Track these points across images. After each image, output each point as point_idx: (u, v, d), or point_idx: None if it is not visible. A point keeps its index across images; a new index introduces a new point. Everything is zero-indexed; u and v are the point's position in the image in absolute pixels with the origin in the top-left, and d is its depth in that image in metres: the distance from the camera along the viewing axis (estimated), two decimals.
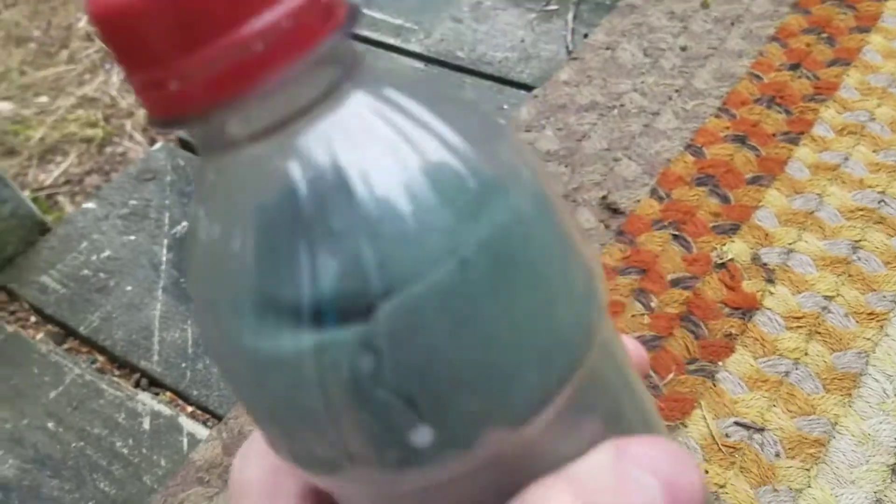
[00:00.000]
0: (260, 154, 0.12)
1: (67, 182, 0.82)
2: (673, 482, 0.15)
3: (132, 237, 0.56)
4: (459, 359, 0.12)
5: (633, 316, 0.45)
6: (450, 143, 0.12)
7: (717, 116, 0.55)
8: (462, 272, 0.12)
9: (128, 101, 0.89)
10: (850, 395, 0.40)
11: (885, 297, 0.44)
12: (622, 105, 0.57)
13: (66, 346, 0.51)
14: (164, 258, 0.55)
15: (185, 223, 0.57)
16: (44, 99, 0.91)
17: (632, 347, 0.23)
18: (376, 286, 0.11)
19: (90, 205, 0.60)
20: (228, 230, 0.12)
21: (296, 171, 0.12)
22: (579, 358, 0.13)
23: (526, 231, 0.13)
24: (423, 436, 0.12)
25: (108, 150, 0.85)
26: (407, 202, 0.12)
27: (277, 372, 0.12)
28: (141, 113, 0.87)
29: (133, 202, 0.59)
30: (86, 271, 0.55)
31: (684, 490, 0.15)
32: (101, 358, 0.50)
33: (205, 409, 0.46)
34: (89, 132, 0.86)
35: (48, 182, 0.82)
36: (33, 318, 0.53)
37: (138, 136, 0.86)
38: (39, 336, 0.52)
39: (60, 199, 0.82)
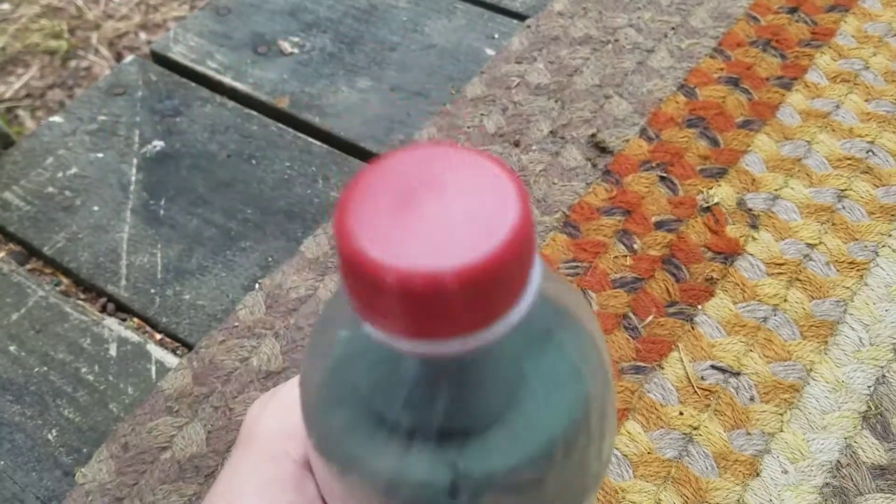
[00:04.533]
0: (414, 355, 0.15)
1: (28, 95, 0.78)
2: None
3: (100, 154, 0.54)
4: None
5: (615, 257, 0.44)
6: (561, 371, 0.16)
7: (711, 57, 0.54)
8: (538, 463, 0.16)
9: (94, 12, 0.84)
10: (826, 342, 0.40)
11: (866, 246, 0.44)
12: (616, 40, 0.55)
13: (28, 266, 0.49)
14: (132, 178, 0.52)
15: (155, 143, 0.54)
16: (6, 6, 0.86)
17: None
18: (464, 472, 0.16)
19: (56, 118, 0.56)
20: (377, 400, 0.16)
21: (423, 376, 0.15)
22: (591, 491, 0.18)
23: (588, 426, 0.17)
24: None
25: (73, 63, 0.80)
26: (512, 417, 0.15)
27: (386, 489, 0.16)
28: (108, 25, 0.83)
29: (102, 118, 0.56)
30: (51, 189, 0.52)
31: None
32: (65, 280, 0.48)
33: (174, 337, 0.45)
34: (53, 44, 0.81)
35: (8, 95, 0.78)
36: None
37: (104, 51, 0.81)
38: (1, 255, 0.50)
39: (21, 112, 0.78)
